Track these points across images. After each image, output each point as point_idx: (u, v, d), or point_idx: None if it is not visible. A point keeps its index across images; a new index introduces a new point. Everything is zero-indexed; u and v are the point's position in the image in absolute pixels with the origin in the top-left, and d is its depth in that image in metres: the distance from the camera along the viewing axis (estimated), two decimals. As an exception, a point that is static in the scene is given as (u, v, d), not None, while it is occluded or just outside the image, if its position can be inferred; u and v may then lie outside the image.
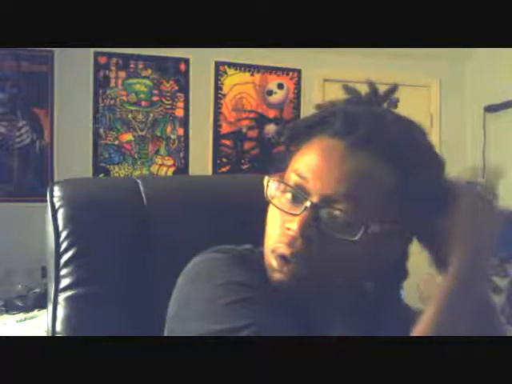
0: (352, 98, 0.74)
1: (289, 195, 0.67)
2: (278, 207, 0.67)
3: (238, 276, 0.66)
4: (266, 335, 0.59)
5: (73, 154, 3.41)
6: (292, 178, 0.67)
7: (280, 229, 0.66)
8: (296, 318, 0.66)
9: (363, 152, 0.64)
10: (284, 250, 0.65)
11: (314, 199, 0.64)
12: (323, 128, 0.68)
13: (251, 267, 0.68)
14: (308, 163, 0.66)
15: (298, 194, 0.66)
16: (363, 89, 0.74)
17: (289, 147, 0.71)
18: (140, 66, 3.62)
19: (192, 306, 0.66)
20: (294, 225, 0.64)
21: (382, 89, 0.75)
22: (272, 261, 0.67)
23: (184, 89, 3.70)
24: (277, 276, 0.66)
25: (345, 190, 0.63)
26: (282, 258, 0.65)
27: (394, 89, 0.74)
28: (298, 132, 0.71)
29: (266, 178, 0.69)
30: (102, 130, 3.54)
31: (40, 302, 2.53)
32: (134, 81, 3.62)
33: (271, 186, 0.68)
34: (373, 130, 0.65)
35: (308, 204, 0.64)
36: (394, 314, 0.74)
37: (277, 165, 0.72)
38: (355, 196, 0.63)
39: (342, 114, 0.67)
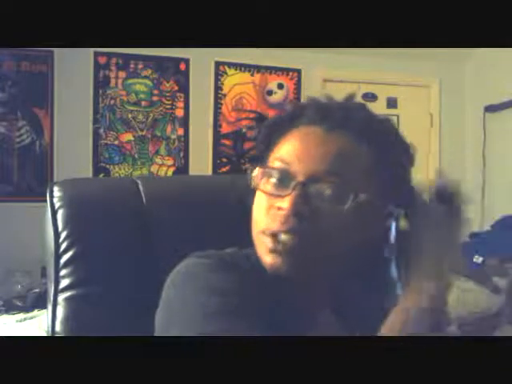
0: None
1: (273, 180, 0.71)
2: (265, 192, 0.71)
3: (219, 282, 0.68)
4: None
5: (73, 153, 3.41)
6: (276, 164, 0.71)
7: (270, 211, 0.69)
8: (281, 314, 0.67)
9: (339, 134, 0.71)
10: (277, 227, 0.68)
11: (300, 178, 0.68)
12: (300, 119, 0.73)
13: (233, 271, 0.70)
14: (290, 150, 0.71)
15: (284, 177, 0.69)
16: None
17: (268, 142, 0.75)
18: (140, 66, 3.62)
19: (174, 311, 0.68)
20: (284, 204, 0.67)
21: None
22: (265, 239, 0.69)
23: (184, 89, 3.70)
24: (270, 258, 0.68)
25: (327, 168, 0.68)
26: (275, 236, 0.68)
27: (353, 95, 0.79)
28: (276, 127, 0.76)
29: (250, 168, 0.73)
30: (101, 130, 3.54)
31: (40, 302, 2.54)
32: (134, 81, 3.62)
33: (256, 175, 0.72)
34: (344, 116, 0.72)
35: (295, 183, 0.68)
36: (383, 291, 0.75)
37: (257, 160, 0.76)
38: (337, 172, 0.68)
39: (315, 105, 0.74)
